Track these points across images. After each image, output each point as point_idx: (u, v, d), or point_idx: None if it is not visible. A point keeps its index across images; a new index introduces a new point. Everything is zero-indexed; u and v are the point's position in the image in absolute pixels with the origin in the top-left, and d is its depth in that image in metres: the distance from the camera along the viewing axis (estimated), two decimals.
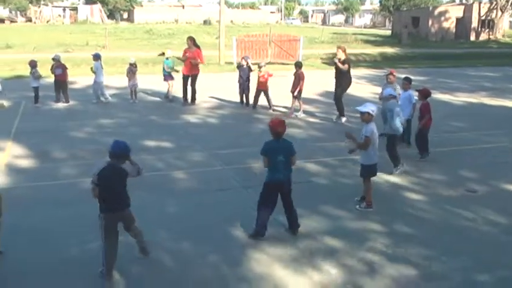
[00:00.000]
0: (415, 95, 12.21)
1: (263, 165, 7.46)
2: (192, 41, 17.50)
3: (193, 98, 17.69)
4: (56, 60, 17.95)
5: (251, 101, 17.25)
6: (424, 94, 11.67)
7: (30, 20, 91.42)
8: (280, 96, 17.13)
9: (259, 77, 16.62)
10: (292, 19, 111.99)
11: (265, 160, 7.36)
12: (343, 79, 14.90)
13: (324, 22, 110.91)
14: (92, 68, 18.08)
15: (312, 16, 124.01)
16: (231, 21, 76.81)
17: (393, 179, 10.12)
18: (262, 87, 16.61)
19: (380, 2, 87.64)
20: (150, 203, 8.52)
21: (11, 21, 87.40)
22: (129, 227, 6.58)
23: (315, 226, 7.94)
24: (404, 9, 76.47)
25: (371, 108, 8.49)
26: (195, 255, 7.02)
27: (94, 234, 6.58)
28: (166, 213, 8.41)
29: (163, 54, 19.21)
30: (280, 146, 7.36)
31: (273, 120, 7.54)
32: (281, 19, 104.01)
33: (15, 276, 6.51)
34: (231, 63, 29.55)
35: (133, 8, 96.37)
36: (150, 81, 21.33)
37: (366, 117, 8.50)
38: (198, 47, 17.60)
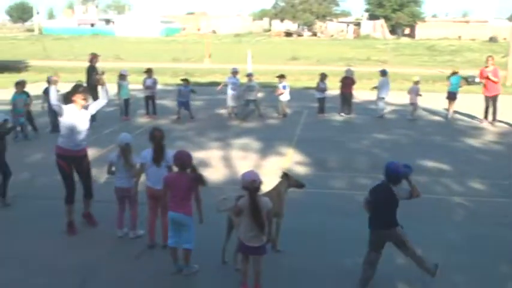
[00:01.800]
0: None
1: None
2: (492, 58, 17.15)
3: (494, 118, 17.17)
4: (349, 74, 18.60)
5: None
6: None
7: (315, 34, 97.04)
8: None
9: None
10: None
11: None
12: None
13: None
14: (374, 87, 18.45)
15: None
16: None
17: None
18: None
19: None
20: (423, 227, 8.21)
21: (298, 35, 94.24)
22: (399, 247, 6.39)
23: None
24: None
25: None
26: None
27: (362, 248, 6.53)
28: (438, 240, 8.00)
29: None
30: None
31: None
32: None
33: (290, 274, 6.92)
34: None
35: (416, 23, 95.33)
36: (431, 99, 20.70)
37: None
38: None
